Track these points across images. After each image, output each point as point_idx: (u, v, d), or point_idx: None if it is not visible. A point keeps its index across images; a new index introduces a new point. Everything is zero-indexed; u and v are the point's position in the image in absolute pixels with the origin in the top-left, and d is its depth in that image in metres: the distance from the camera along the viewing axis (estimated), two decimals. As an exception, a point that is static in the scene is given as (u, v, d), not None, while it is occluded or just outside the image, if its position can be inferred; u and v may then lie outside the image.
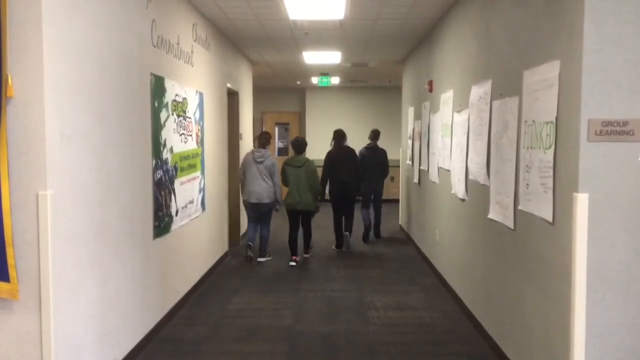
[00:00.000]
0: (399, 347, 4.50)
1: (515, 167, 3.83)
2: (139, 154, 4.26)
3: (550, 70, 3.26)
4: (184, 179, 5.43)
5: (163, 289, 4.86)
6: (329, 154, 8.12)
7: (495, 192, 4.29)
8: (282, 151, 14.86)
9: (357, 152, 8.45)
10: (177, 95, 5.22)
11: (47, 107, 2.95)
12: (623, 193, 2.94)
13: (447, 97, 6.07)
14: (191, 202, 5.72)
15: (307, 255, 7.63)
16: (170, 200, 5.00)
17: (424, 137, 7.52)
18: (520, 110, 3.74)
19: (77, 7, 3.29)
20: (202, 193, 6.17)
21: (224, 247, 7.51)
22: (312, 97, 14.55)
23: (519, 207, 3.77)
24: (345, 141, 8.21)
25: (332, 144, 8.20)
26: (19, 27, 2.90)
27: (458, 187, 5.43)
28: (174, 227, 5.10)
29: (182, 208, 5.38)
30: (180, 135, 5.34)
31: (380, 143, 8.98)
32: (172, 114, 5.08)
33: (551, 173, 3.25)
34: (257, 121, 14.04)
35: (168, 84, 4.95)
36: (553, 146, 3.22)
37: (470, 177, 4.97)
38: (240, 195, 7.62)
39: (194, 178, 5.84)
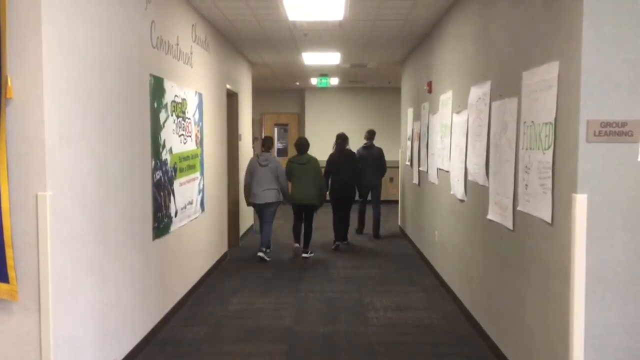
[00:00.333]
0: (398, 347, 4.50)
1: (514, 168, 3.83)
2: (138, 155, 4.26)
3: (550, 71, 3.26)
4: (183, 179, 5.43)
5: (162, 289, 4.86)
6: (331, 157, 8.45)
7: (494, 193, 4.29)
8: (281, 152, 14.87)
9: (355, 152, 8.81)
10: (176, 96, 5.22)
11: (46, 109, 2.96)
12: (622, 194, 2.95)
13: (446, 98, 6.07)
14: (190, 203, 5.72)
15: (306, 256, 7.67)
16: (170, 201, 5.01)
17: (423, 138, 7.53)
18: (519, 111, 3.75)
19: (76, 8, 3.29)
20: (201, 194, 6.17)
21: (224, 248, 7.51)
22: (312, 98, 14.55)
23: (518, 208, 3.77)
24: (348, 144, 8.51)
25: (335, 147, 8.48)
26: (18, 29, 2.90)
27: (457, 188, 5.43)
28: (173, 228, 5.10)
29: (182, 209, 5.38)
30: (180, 136, 5.34)
31: (379, 144, 9.40)
32: (172, 115, 5.08)
33: (550, 174, 3.25)
34: (257, 122, 14.03)
35: (167, 84, 4.95)
36: (552, 147, 3.23)
37: (470, 177, 4.98)
38: (245, 199, 7.70)
39: (193, 179, 5.84)
